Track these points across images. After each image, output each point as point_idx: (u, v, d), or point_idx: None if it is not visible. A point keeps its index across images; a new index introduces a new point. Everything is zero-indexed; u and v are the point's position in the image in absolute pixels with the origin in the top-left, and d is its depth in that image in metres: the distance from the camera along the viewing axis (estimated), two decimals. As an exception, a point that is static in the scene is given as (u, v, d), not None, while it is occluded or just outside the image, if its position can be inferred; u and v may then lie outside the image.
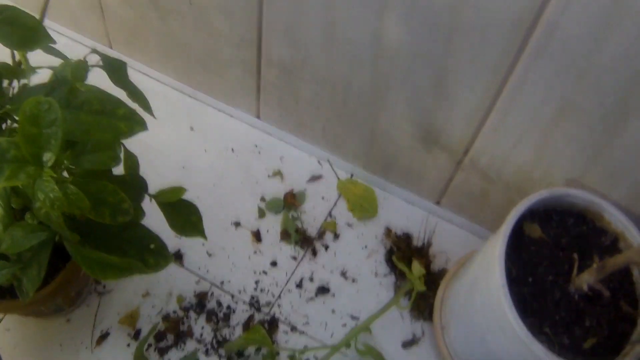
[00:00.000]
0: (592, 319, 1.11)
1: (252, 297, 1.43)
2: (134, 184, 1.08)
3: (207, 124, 1.68)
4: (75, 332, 1.38)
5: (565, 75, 1.06)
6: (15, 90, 1.01)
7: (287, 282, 1.46)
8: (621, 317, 1.12)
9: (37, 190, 0.86)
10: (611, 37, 0.97)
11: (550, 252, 1.16)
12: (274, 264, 1.48)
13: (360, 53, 1.27)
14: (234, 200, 1.56)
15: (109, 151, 0.97)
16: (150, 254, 1.07)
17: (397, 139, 1.43)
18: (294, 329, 1.41)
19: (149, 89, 1.66)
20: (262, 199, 1.56)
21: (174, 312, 1.41)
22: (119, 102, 0.95)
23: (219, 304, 1.42)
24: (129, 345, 1.37)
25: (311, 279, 1.47)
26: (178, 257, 1.47)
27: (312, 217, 1.55)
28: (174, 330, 1.38)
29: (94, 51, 1.09)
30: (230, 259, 1.48)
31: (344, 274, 1.48)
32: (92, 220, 0.95)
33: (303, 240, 1.51)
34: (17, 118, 0.94)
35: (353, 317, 1.42)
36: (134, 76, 1.67)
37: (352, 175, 1.61)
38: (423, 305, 1.42)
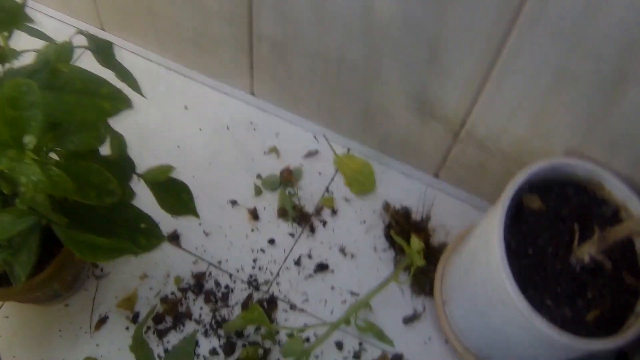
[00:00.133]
0: (595, 290, 1.09)
1: (251, 276, 1.42)
2: (121, 164, 1.07)
3: (202, 102, 1.66)
4: (74, 317, 1.37)
5: (560, 42, 1.03)
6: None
7: (286, 259, 1.45)
8: (624, 289, 1.10)
9: (20, 174, 0.84)
10: (606, 4, 0.94)
11: (550, 223, 1.14)
12: (271, 241, 1.47)
13: (351, 25, 1.25)
14: (230, 178, 1.54)
15: (93, 131, 0.95)
16: (141, 234, 1.06)
17: (392, 112, 1.40)
18: (293, 306, 1.39)
19: (142, 69, 1.66)
20: (259, 177, 1.54)
21: (172, 293, 1.39)
22: (102, 82, 0.93)
23: (217, 283, 1.41)
24: (127, 328, 1.36)
25: (309, 256, 1.45)
26: (175, 237, 1.45)
27: (309, 193, 1.53)
28: (172, 311, 1.37)
29: (80, 32, 1.07)
30: (227, 238, 1.47)
31: (342, 250, 1.46)
32: (81, 203, 0.94)
33: (300, 217, 1.49)
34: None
35: (353, 294, 1.41)
36: (127, 57, 1.69)
37: (349, 150, 1.59)
38: (423, 280, 1.40)
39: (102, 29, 1.74)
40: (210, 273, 1.42)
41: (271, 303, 1.39)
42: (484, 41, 1.12)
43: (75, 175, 0.89)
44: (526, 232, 1.13)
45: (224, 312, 1.38)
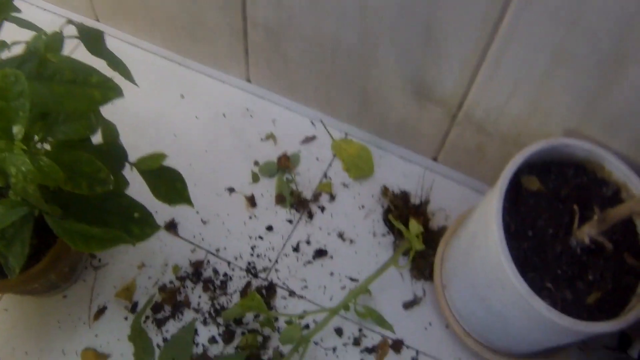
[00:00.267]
0: (595, 272, 1.08)
1: (249, 263, 1.41)
2: (113, 153, 1.06)
3: (197, 90, 1.64)
4: (72, 308, 1.36)
5: (556, 22, 1.02)
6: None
7: (284, 246, 1.44)
8: (625, 270, 1.09)
9: (9, 165, 0.84)
10: (602, -20, 0.93)
11: (550, 204, 1.13)
12: (269, 228, 1.46)
13: (345, 9, 1.23)
14: (227, 165, 1.53)
15: (83, 120, 0.94)
16: (134, 224, 1.06)
17: (389, 96, 1.39)
18: (292, 293, 1.38)
19: (138, 59, 1.66)
20: (256, 163, 1.53)
21: (171, 282, 1.39)
22: (91, 70, 0.92)
23: (216, 271, 1.40)
24: (126, 318, 1.35)
25: (308, 242, 1.44)
26: (172, 226, 1.45)
27: (307, 179, 1.52)
28: (170, 300, 1.36)
29: (70, 22, 1.05)
30: (225, 226, 1.46)
31: (341, 236, 1.45)
32: (74, 193, 0.93)
33: (298, 203, 1.48)
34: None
35: (352, 279, 1.40)
36: (122, 47, 1.68)
37: (346, 135, 1.58)
38: (423, 265, 1.40)
39: (97, 20, 1.73)
40: (208, 261, 1.41)
41: (270, 290, 1.38)
42: (479, 22, 1.11)
43: (65, 164, 0.89)
44: (525, 214, 1.12)
45: (223, 300, 1.37)
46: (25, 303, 1.36)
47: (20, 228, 0.97)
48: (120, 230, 1.03)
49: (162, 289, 1.38)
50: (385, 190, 1.49)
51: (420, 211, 1.45)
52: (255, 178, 1.51)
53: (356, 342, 1.34)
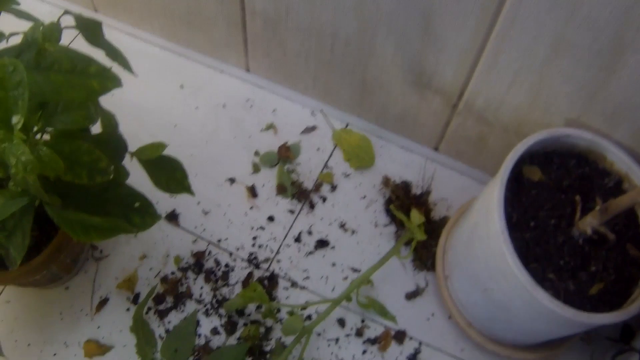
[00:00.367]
0: (598, 263, 1.08)
1: (251, 254, 1.41)
2: (113, 143, 1.05)
3: (197, 81, 1.64)
4: (74, 299, 1.36)
5: (556, 10, 1.01)
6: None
7: (286, 236, 1.43)
8: (628, 261, 1.09)
9: (9, 155, 0.84)
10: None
11: (552, 195, 1.13)
12: (271, 219, 1.45)
13: (343, -3, 1.23)
14: (228, 156, 1.53)
15: (81, 110, 0.94)
16: (135, 213, 1.06)
17: (389, 85, 1.39)
18: (294, 284, 1.38)
19: (137, 50, 1.66)
20: (256, 154, 1.53)
21: (172, 273, 1.39)
22: (90, 60, 0.92)
23: (217, 262, 1.40)
24: (128, 309, 1.36)
25: (310, 233, 1.44)
26: (173, 217, 1.44)
27: (307, 169, 1.51)
28: (172, 291, 1.36)
29: (67, 12, 1.05)
30: (226, 216, 1.45)
31: (342, 226, 1.45)
32: (74, 183, 0.93)
33: (300, 194, 1.48)
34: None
35: (354, 270, 1.40)
36: (122, 38, 1.68)
37: (347, 125, 1.57)
38: (425, 255, 1.39)
39: (95, 11, 1.72)
40: (210, 252, 1.41)
41: (272, 281, 1.38)
42: (478, 10, 1.10)
43: (65, 154, 0.89)
44: (527, 204, 1.11)
45: (225, 291, 1.37)
46: (27, 295, 1.36)
47: (21, 219, 0.97)
48: (121, 219, 1.03)
49: (164, 280, 1.38)
50: (386, 181, 1.49)
51: (421, 201, 1.44)
52: (255, 168, 1.51)
53: (358, 333, 1.33)
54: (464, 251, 1.23)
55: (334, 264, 1.40)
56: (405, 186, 1.48)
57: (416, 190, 1.48)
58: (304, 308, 1.34)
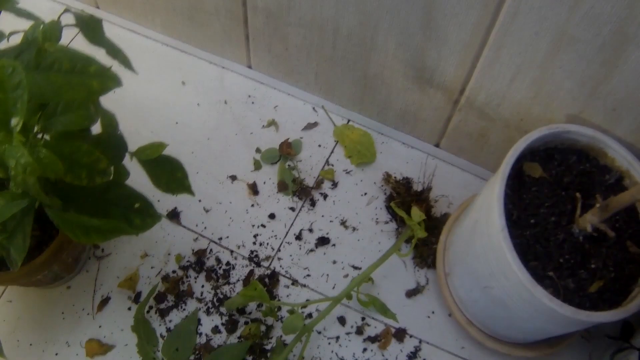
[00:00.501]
0: (598, 260, 1.07)
1: (252, 252, 1.41)
2: (113, 143, 1.05)
3: (199, 77, 1.64)
4: (76, 299, 1.37)
5: (558, 4, 1.01)
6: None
7: (287, 234, 1.43)
8: (628, 258, 1.09)
9: (8, 157, 0.84)
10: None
11: (552, 192, 1.12)
12: (272, 216, 1.45)
13: (345, -7, 1.23)
14: (229, 153, 1.53)
15: (81, 111, 0.94)
16: (135, 214, 1.06)
17: (390, 81, 1.38)
18: (295, 282, 1.38)
19: (139, 46, 1.65)
20: (258, 150, 1.53)
21: (173, 271, 1.39)
22: (89, 60, 0.92)
23: (218, 260, 1.40)
24: (129, 308, 1.36)
25: (310, 230, 1.44)
26: (175, 215, 1.44)
27: (309, 166, 1.51)
28: (173, 290, 1.36)
29: (68, 10, 1.05)
30: (227, 214, 1.45)
31: (343, 223, 1.45)
32: (74, 184, 0.93)
33: (301, 191, 1.47)
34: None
35: (355, 267, 1.40)
36: (123, 35, 1.67)
37: (348, 121, 1.57)
38: (426, 252, 1.39)
39: (97, 7, 1.72)
40: (211, 250, 1.41)
41: (272, 279, 1.38)
42: (480, 5, 1.10)
43: (64, 155, 0.89)
44: (528, 201, 1.11)
45: (226, 289, 1.37)
46: (29, 294, 1.37)
47: (21, 220, 0.97)
48: (121, 220, 1.03)
49: (165, 278, 1.38)
50: (387, 177, 1.49)
51: (422, 198, 1.44)
52: (257, 165, 1.51)
53: (359, 331, 1.33)
54: (465, 248, 1.22)
55: (334, 262, 1.40)
56: (407, 183, 1.48)
57: (417, 187, 1.47)
58: (304, 306, 1.34)
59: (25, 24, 0.99)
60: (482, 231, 1.12)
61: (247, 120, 1.57)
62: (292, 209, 1.46)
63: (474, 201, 1.24)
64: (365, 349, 1.32)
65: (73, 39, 1.53)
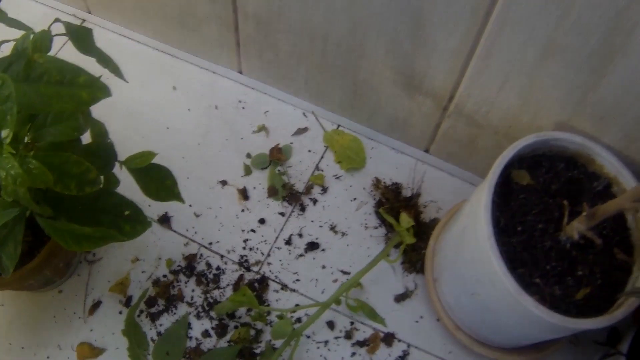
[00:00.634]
0: (585, 268, 1.08)
1: (242, 257, 1.42)
2: (102, 152, 1.06)
3: (190, 82, 1.64)
4: (67, 302, 1.37)
5: (546, 13, 1.02)
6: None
7: (276, 239, 1.44)
8: (615, 265, 1.09)
9: (-1, 168, 0.84)
10: (591, -26, 0.93)
11: (540, 199, 1.13)
12: (262, 221, 1.46)
13: (334, 0, 1.23)
14: (220, 158, 1.53)
15: (71, 122, 0.95)
16: (125, 221, 1.06)
17: (380, 87, 1.39)
18: (284, 287, 1.39)
19: (130, 51, 1.65)
20: (248, 156, 1.53)
21: (164, 276, 1.39)
22: (79, 70, 0.92)
23: (209, 265, 1.41)
24: (120, 312, 1.36)
25: (300, 235, 1.44)
26: (165, 220, 1.45)
27: (299, 171, 1.52)
28: (164, 294, 1.37)
29: (58, 20, 1.05)
30: (217, 219, 1.46)
31: (333, 228, 1.45)
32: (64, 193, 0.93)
33: (291, 196, 1.48)
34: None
35: (344, 272, 1.41)
36: (114, 39, 1.68)
37: (338, 126, 1.57)
38: (415, 258, 1.40)
39: (89, 12, 1.72)
40: (201, 255, 1.42)
41: (262, 283, 1.39)
42: (468, 13, 1.10)
43: (54, 166, 0.89)
44: (515, 208, 1.12)
45: (216, 293, 1.37)
46: (21, 298, 1.37)
47: (13, 228, 0.98)
48: (111, 228, 1.04)
49: (156, 282, 1.38)
50: (377, 182, 1.49)
51: (411, 204, 1.45)
52: (247, 170, 1.51)
53: (348, 335, 1.34)
54: (453, 255, 1.23)
55: (324, 267, 1.41)
56: (396, 188, 1.48)
57: (406, 192, 1.48)
58: (293, 311, 1.35)
59: (15, 32, 0.99)
60: (469, 238, 1.13)
61: (237, 125, 1.57)
62: (282, 214, 1.47)
63: (463, 207, 1.25)
64: (354, 354, 1.33)
65: (62, 47, 1.54)
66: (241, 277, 1.39)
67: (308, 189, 1.49)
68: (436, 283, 1.32)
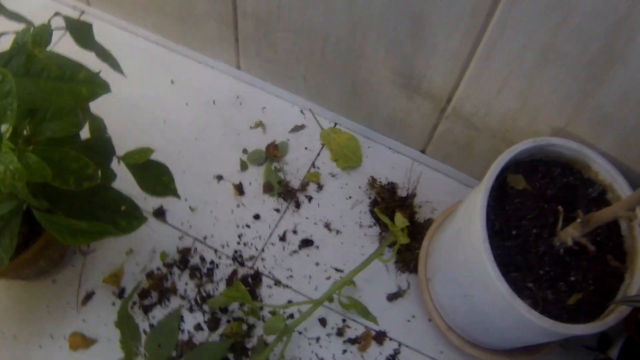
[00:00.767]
0: (578, 273, 1.09)
1: (236, 252, 1.42)
2: (101, 147, 1.06)
3: (188, 77, 1.64)
4: (61, 292, 1.37)
5: (547, 19, 1.02)
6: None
7: (271, 235, 1.44)
8: (608, 272, 1.10)
9: (-3, 162, 0.84)
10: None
11: (535, 204, 1.13)
12: (257, 217, 1.46)
13: (334, 0, 1.23)
14: (216, 153, 1.54)
15: (70, 117, 0.94)
16: (121, 217, 1.07)
17: (378, 87, 1.39)
18: (277, 282, 1.39)
19: (129, 44, 1.65)
20: (245, 151, 1.53)
21: (158, 269, 1.40)
22: (79, 66, 0.92)
23: (203, 259, 1.41)
24: (113, 303, 1.37)
25: (295, 232, 1.45)
26: (161, 213, 1.45)
27: (295, 168, 1.52)
28: (157, 287, 1.37)
29: (58, 14, 1.05)
30: (213, 214, 1.46)
31: (327, 226, 1.46)
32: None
33: (286, 192, 1.48)
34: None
35: (337, 270, 1.41)
36: (113, 33, 1.67)
37: (335, 125, 1.58)
38: (408, 257, 1.40)
39: (88, 4, 1.72)
40: (195, 249, 1.42)
41: (256, 279, 1.39)
42: (468, 17, 1.11)
43: (53, 162, 0.89)
44: (510, 212, 1.12)
45: (209, 287, 1.38)
46: (14, 287, 1.37)
47: (9, 221, 0.98)
48: (107, 222, 1.04)
49: (150, 275, 1.39)
50: (372, 182, 1.50)
51: (407, 204, 1.45)
52: (243, 166, 1.52)
53: (340, 332, 1.35)
54: (447, 256, 1.24)
55: (317, 264, 1.42)
56: (391, 188, 1.49)
57: (402, 192, 1.48)
58: (285, 307, 1.35)
59: (16, 25, 0.99)
60: (464, 240, 1.14)
61: (234, 121, 1.58)
62: (277, 210, 1.47)
63: (458, 209, 1.26)
64: (345, 351, 1.34)
65: (59, 41, 1.54)
66: (235, 272, 1.39)
67: (304, 186, 1.49)
68: (429, 283, 1.32)
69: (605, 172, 1.14)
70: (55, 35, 1.38)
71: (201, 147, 1.54)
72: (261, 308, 1.35)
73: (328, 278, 1.40)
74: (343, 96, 1.49)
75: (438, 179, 1.52)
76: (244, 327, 1.34)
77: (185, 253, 1.41)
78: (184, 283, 1.38)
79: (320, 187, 1.50)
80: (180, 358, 1.31)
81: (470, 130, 1.35)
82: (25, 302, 1.36)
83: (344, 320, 1.36)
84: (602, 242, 1.12)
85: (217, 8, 1.44)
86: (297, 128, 1.57)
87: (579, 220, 1.05)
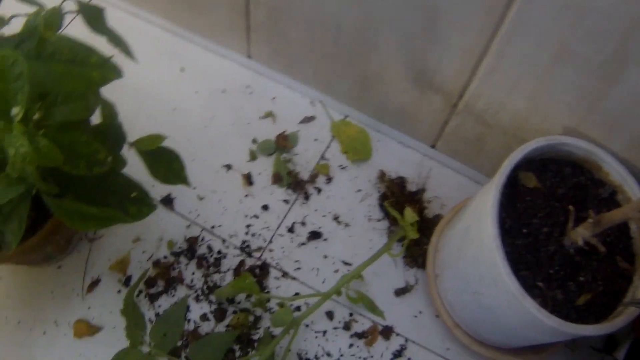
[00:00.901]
0: (587, 274, 1.08)
1: (243, 242, 1.42)
2: (112, 133, 1.05)
3: (198, 64, 1.63)
4: (66, 279, 1.37)
5: (562, 18, 1.01)
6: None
7: (279, 226, 1.44)
8: (617, 273, 1.10)
9: (8, 146, 0.84)
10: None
11: (546, 202, 1.13)
12: (265, 207, 1.46)
13: (348, -9, 1.23)
14: (225, 142, 1.53)
15: (81, 101, 0.94)
16: (131, 203, 1.06)
17: (389, 81, 1.39)
18: (285, 274, 1.39)
19: (139, 31, 1.65)
20: (254, 141, 1.53)
21: (165, 257, 1.39)
22: (91, 50, 0.92)
23: (210, 248, 1.41)
24: (119, 291, 1.36)
25: (303, 224, 1.44)
26: (168, 201, 1.45)
27: (304, 159, 1.52)
28: (164, 276, 1.37)
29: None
30: (221, 203, 1.46)
31: (336, 219, 1.45)
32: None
33: (295, 184, 1.48)
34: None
35: (345, 263, 1.41)
36: (125, 18, 1.67)
37: (345, 117, 1.57)
38: (417, 252, 1.40)
39: (98, -13, 1.71)
40: (203, 238, 1.42)
41: (263, 270, 1.39)
42: (483, 13, 1.10)
43: (64, 146, 0.89)
44: (521, 211, 1.12)
45: (216, 277, 1.38)
46: (19, 272, 1.37)
47: (18, 205, 0.98)
48: (117, 209, 1.04)
49: (156, 263, 1.38)
50: (382, 175, 1.49)
51: (416, 198, 1.45)
52: (252, 156, 1.51)
53: (346, 326, 1.35)
54: (456, 252, 1.23)
55: (325, 256, 1.41)
56: (401, 182, 1.48)
57: (411, 187, 1.48)
58: (293, 300, 1.35)
59: (27, 8, 0.98)
60: (474, 237, 1.13)
61: (244, 110, 1.57)
62: (286, 201, 1.47)
63: (467, 206, 1.25)
64: (351, 345, 1.34)
65: (70, 23, 1.53)
66: (242, 263, 1.39)
67: (313, 178, 1.49)
68: (437, 279, 1.32)
69: (616, 173, 1.14)
70: (65, 19, 1.38)
71: (210, 136, 1.53)
72: (268, 300, 1.35)
73: (336, 271, 1.40)
74: (354, 88, 1.48)
75: (447, 174, 1.52)
76: (251, 318, 1.33)
77: (192, 242, 1.41)
78: (191, 272, 1.38)
79: (329, 179, 1.49)
80: (185, 348, 1.31)
81: (481, 127, 1.34)
82: (30, 288, 1.35)
83: (351, 314, 1.36)
84: (611, 243, 1.12)
85: (228, -5, 1.44)
86: (307, 119, 1.56)
87: (590, 220, 1.05)
